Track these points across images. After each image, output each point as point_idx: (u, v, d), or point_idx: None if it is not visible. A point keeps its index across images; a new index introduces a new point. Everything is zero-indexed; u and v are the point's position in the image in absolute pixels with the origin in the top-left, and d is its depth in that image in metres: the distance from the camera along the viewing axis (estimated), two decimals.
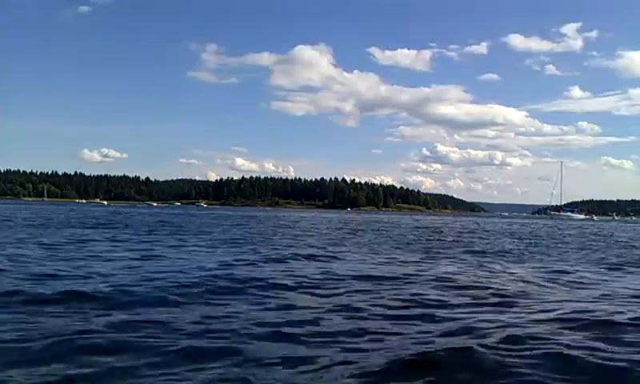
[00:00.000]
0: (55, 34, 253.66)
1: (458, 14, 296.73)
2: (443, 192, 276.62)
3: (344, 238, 20.44)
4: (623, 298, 7.28)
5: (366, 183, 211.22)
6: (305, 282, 7.90)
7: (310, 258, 11.61)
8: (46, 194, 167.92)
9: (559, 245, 20.24)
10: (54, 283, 7.03)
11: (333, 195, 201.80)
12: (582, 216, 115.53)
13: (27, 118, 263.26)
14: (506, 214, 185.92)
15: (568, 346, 4.41)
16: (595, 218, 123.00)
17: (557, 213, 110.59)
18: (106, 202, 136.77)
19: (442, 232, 28.72)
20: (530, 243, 20.80)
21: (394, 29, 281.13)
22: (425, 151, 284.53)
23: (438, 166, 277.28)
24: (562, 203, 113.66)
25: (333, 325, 5.21)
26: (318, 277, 8.42)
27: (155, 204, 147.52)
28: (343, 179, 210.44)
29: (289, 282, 7.74)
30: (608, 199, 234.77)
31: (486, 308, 6.28)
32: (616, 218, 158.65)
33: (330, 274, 8.83)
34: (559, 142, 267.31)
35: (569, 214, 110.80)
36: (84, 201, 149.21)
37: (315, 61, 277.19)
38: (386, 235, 23.84)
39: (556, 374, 3.82)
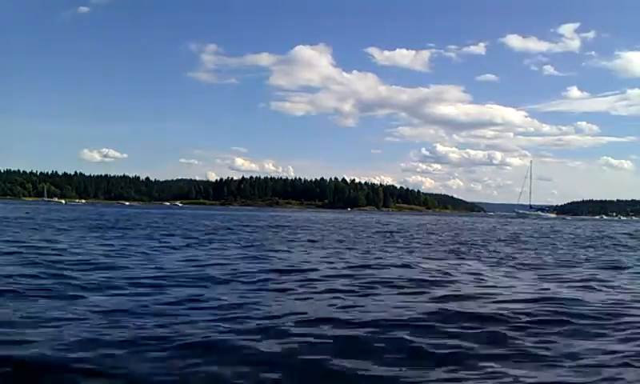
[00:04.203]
0: (55, 33, 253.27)
1: (455, 14, 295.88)
2: (443, 192, 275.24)
3: None
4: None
5: (365, 183, 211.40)
6: None
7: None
8: (45, 194, 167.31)
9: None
10: None
11: (333, 195, 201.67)
12: (552, 215, 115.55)
13: (27, 118, 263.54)
14: (492, 213, 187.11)
15: None
16: (568, 217, 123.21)
17: (526, 212, 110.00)
18: (63, 201, 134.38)
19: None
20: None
21: (393, 29, 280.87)
22: (424, 151, 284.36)
23: (437, 166, 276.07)
24: (532, 203, 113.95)
25: None
26: None
27: (127, 203, 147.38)
28: (343, 179, 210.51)
29: None
30: (608, 199, 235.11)
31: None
32: (622, 218, 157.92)
33: None
34: (558, 142, 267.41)
35: (539, 213, 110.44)
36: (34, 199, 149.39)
37: (314, 61, 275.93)
38: None
39: None
